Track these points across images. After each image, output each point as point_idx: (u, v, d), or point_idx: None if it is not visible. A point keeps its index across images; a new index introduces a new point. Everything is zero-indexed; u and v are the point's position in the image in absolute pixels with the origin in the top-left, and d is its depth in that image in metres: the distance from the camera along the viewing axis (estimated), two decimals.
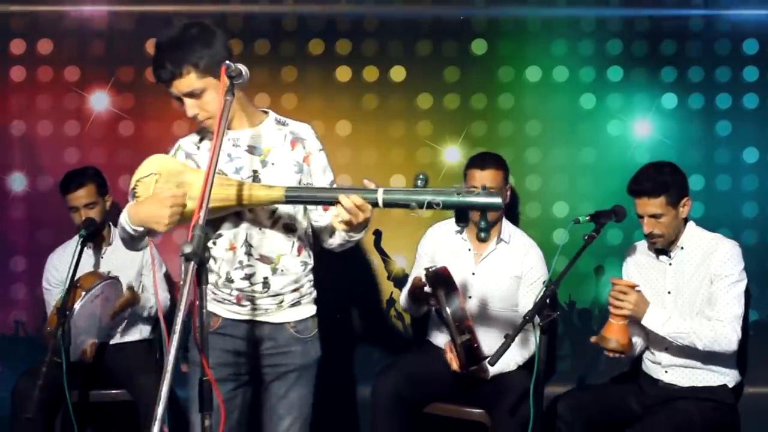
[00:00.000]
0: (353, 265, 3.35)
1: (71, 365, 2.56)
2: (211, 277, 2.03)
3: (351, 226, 1.83)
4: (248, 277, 2.01)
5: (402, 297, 2.97)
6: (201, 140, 2.05)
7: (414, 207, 1.76)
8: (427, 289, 2.61)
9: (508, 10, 3.31)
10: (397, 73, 3.33)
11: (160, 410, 1.37)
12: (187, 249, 1.52)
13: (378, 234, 3.34)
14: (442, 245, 2.89)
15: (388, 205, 1.81)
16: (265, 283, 2.02)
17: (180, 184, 1.89)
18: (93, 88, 3.33)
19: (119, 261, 2.96)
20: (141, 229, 1.88)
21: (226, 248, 2.00)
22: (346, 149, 3.34)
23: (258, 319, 2.05)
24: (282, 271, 2.03)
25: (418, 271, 2.87)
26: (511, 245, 2.83)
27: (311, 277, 2.14)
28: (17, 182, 3.35)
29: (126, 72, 3.32)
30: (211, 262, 2.03)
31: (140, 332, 3.01)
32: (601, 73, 3.29)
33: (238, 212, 1.99)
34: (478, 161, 2.84)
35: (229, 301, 2.04)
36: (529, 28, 3.31)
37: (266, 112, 2.09)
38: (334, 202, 1.82)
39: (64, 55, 3.32)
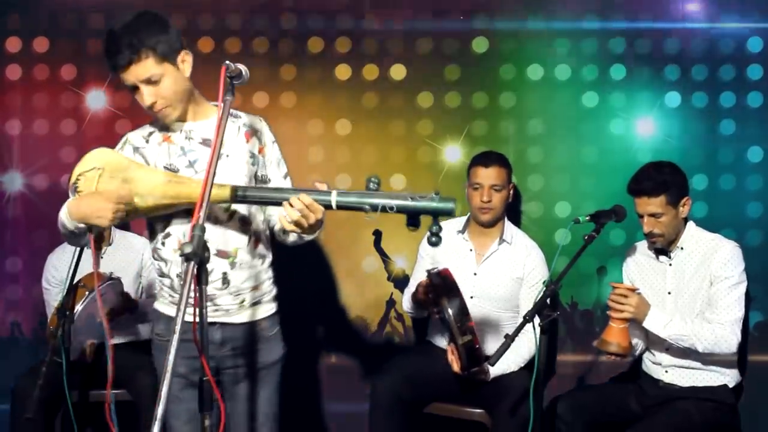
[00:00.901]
0: (353, 265, 3.46)
1: (71, 365, 2.66)
2: (166, 281, 2.06)
3: (301, 228, 1.86)
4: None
5: (405, 299, 3.08)
6: (150, 134, 2.06)
7: (368, 210, 1.82)
8: (429, 292, 2.72)
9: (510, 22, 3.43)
10: (398, 71, 3.44)
11: (160, 410, 1.44)
12: (187, 249, 1.57)
13: (378, 234, 3.45)
14: (444, 246, 2.99)
15: (341, 207, 1.85)
16: (225, 279, 2.04)
17: (125, 179, 1.91)
18: (90, 87, 3.44)
19: (119, 261, 3.09)
20: (82, 225, 1.92)
21: (175, 249, 2.02)
22: (346, 148, 3.45)
23: (220, 320, 2.08)
24: (240, 264, 2.06)
25: (419, 273, 2.99)
26: (513, 246, 2.94)
27: (271, 274, 2.17)
28: (13, 182, 3.45)
29: None
30: (162, 264, 2.06)
31: (140, 333, 3.12)
32: (603, 71, 3.40)
33: (187, 210, 1.98)
34: (481, 159, 2.96)
35: (189, 304, 2.07)
36: (531, 25, 3.42)
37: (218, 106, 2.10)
38: (283, 203, 1.85)
39: (60, 53, 3.43)
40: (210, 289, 2.02)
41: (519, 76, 3.42)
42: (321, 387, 3.46)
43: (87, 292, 2.77)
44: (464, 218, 3.03)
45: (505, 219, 2.98)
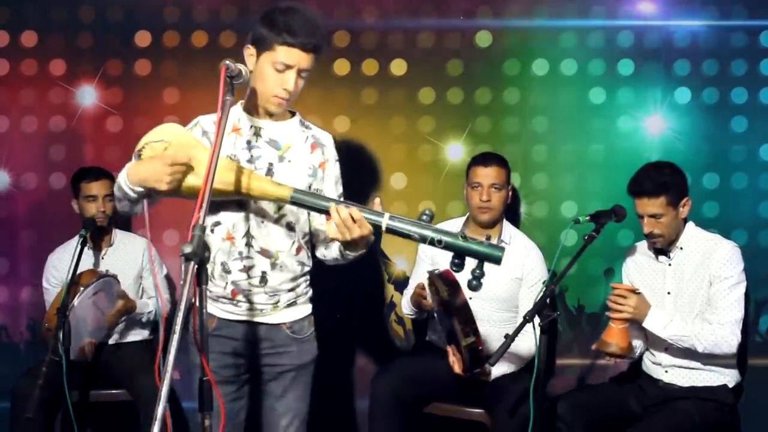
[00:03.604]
0: (352, 267, 3.88)
1: (70, 364, 3.11)
2: (207, 267, 2.29)
3: (344, 241, 2.16)
4: (246, 269, 2.37)
5: (404, 301, 3.53)
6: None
7: (416, 239, 2.12)
8: (430, 293, 3.16)
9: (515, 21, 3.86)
10: (398, 67, 3.87)
11: (160, 410, 1.62)
12: (187, 249, 1.78)
13: (378, 235, 3.88)
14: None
15: (390, 231, 2.13)
16: (263, 278, 2.38)
17: (189, 157, 2.19)
18: (80, 82, 3.87)
19: (119, 262, 3.56)
20: (140, 189, 2.17)
21: (223, 238, 2.35)
22: (345, 146, 3.85)
23: (254, 319, 2.42)
24: (281, 267, 2.39)
25: (419, 274, 3.44)
26: (512, 247, 3.38)
27: (308, 277, 2.52)
28: (0, 181, 3.87)
29: (114, 65, 3.86)
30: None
31: (141, 333, 3.61)
32: (611, 66, 3.83)
33: (240, 202, 2.33)
34: (480, 159, 3.41)
35: (224, 298, 2.39)
36: (536, 18, 3.84)
37: (293, 113, 2.48)
38: (330, 207, 2.15)
39: (49, 47, 3.85)
40: (246, 285, 2.39)
41: (523, 71, 3.85)
42: (323, 387, 3.90)
43: (81, 288, 3.23)
44: (462, 219, 3.49)
45: (504, 220, 3.43)
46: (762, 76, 3.84)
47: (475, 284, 2.10)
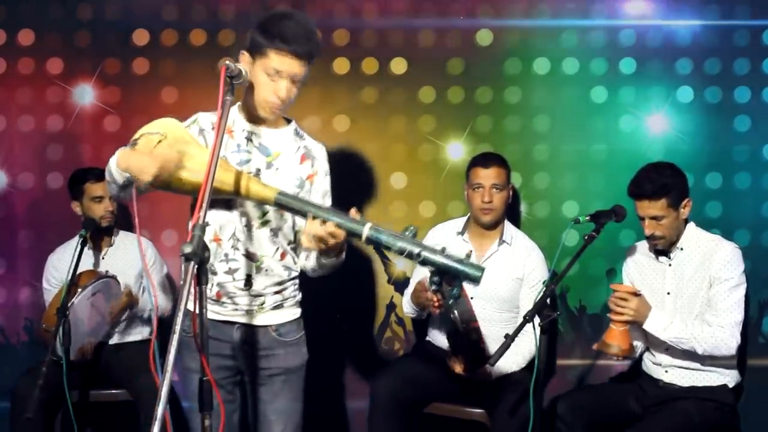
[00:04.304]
0: (352, 268, 3.98)
1: (70, 364, 3.21)
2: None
3: (320, 248, 2.24)
4: (231, 271, 2.46)
5: (405, 301, 3.63)
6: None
7: (395, 251, 2.16)
8: (432, 291, 3.26)
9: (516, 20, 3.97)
10: (398, 65, 3.98)
11: (160, 410, 1.67)
12: (187, 249, 1.83)
13: None
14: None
15: (370, 241, 2.18)
16: (248, 281, 2.47)
17: (181, 152, 2.26)
18: (77, 81, 3.97)
19: (119, 262, 3.67)
20: (127, 175, 2.23)
21: (210, 239, 2.44)
22: (344, 146, 3.98)
23: (240, 320, 2.50)
24: (266, 271, 2.48)
25: (419, 274, 3.54)
26: (513, 247, 3.50)
27: (296, 282, 2.59)
28: None
29: (112, 64, 3.96)
30: None
31: (141, 332, 3.72)
32: (613, 65, 3.94)
33: (228, 204, 2.41)
34: (480, 160, 3.52)
35: (209, 299, 2.45)
36: (537, 17, 3.95)
37: (289, 121, 2.57)
38: (307, 213, 2.21)
39: (46, 46, 3.96)
40: (231, 288, 2.49)
41: (525, 70, 3.96)
42: (317, 390, 4.01)
43: (79, 289, 3.33)
44: (464, 219, 3.60)
45: (506, 220, 3.54)
46: (765, 75, 3.95)
47: (450, 304, 2.16)
